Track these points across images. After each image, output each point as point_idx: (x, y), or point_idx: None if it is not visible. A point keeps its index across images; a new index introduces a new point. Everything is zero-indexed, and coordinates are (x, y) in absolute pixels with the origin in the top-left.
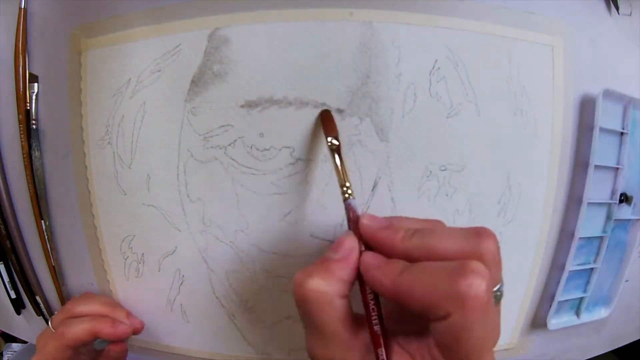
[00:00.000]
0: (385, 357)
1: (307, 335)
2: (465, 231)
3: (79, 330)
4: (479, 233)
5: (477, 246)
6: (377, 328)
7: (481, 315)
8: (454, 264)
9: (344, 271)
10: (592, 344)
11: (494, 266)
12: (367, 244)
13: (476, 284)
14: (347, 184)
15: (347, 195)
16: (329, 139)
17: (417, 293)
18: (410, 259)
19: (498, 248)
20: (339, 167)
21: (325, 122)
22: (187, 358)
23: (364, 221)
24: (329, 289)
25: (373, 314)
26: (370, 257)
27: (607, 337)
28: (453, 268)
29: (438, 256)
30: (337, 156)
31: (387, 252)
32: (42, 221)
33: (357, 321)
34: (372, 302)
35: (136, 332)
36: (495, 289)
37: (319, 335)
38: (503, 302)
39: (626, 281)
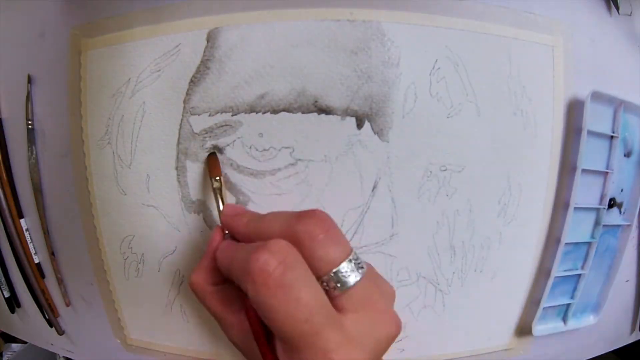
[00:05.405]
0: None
1: None
2: (290, 214)
3: None
4: (300, 215)
5: (293, 227)
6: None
7: (276, 291)
8: (257, 243)
9: (206, 260)
10: (592, 344)
11: (311, 244)
12: (230, 233)
13: (262, 260)
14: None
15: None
16: (216, 178)
17: (232, 270)
18: (250, 241)
19: (321, 227)
20: (220, 202)
21: (212, 164)
22: (187, 358)
23: (224, 210)
24: (199, 279)
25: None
26: (222, 243)
27: (608, 337)
28: (253, 247)
29: (265, 238)
30: (219, 194)
31: (237, 237)
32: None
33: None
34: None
35: None
36: (338, 268)
37: (217, 321)
38: (503, 302)
39: (626, 281)
